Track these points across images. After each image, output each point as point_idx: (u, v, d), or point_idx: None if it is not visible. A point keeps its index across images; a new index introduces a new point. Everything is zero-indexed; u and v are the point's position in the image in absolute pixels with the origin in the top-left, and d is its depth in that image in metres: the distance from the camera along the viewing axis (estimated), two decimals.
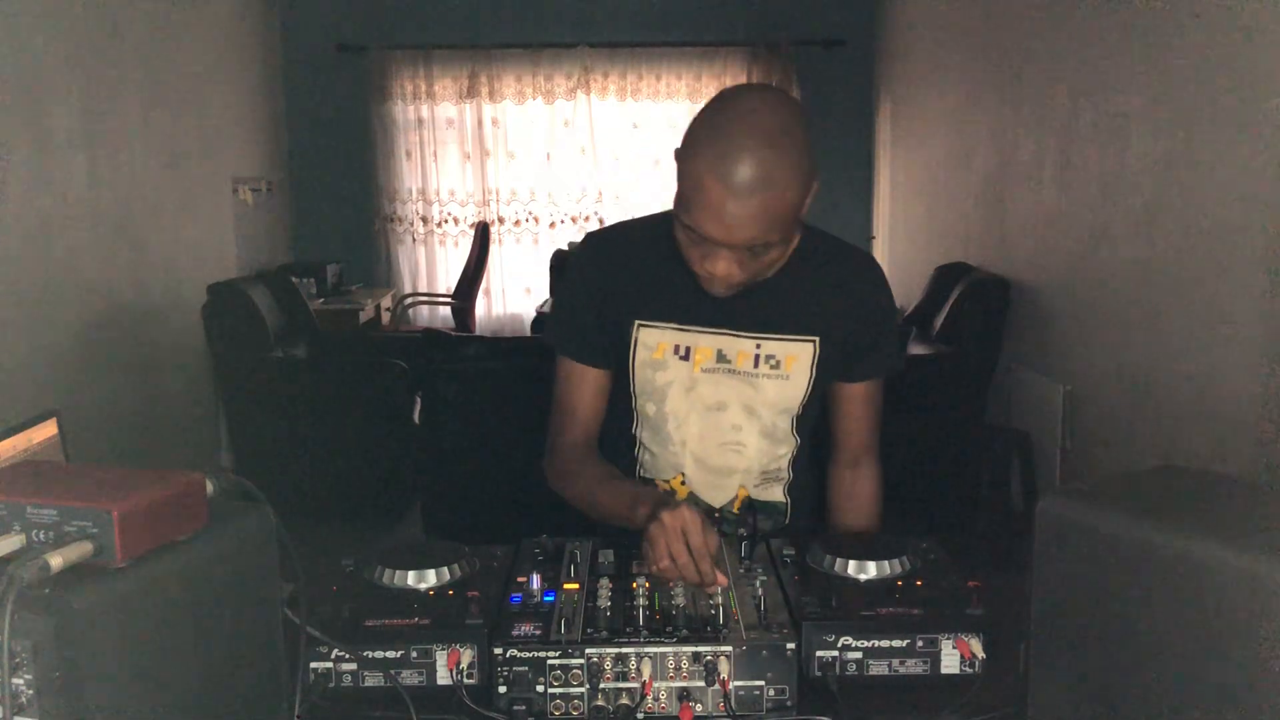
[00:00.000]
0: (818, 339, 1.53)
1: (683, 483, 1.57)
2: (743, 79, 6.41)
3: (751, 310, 1.50)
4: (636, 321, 1.53)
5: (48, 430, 1.45)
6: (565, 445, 1.58)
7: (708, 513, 1.56)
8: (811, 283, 1.53)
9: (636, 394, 1.56)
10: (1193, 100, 2.69)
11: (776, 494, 1.61)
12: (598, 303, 1.55)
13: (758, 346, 1.52)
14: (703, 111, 1.35)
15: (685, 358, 1.52)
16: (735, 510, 1.58)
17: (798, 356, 1.53)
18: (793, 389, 1.54)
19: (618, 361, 1.56)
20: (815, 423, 1.63)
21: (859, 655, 1.16)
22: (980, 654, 1.16)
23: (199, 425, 4.79)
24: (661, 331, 1.52)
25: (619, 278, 1.54)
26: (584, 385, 1.58)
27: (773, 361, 1.52)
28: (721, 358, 1.52)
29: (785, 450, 1.59)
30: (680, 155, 1.34)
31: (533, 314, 6.06)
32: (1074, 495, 0.98)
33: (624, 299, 1.53)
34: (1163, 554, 0.88)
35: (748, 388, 1.53)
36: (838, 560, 1.29)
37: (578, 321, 1.57)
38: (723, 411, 1.53)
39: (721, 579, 1.24)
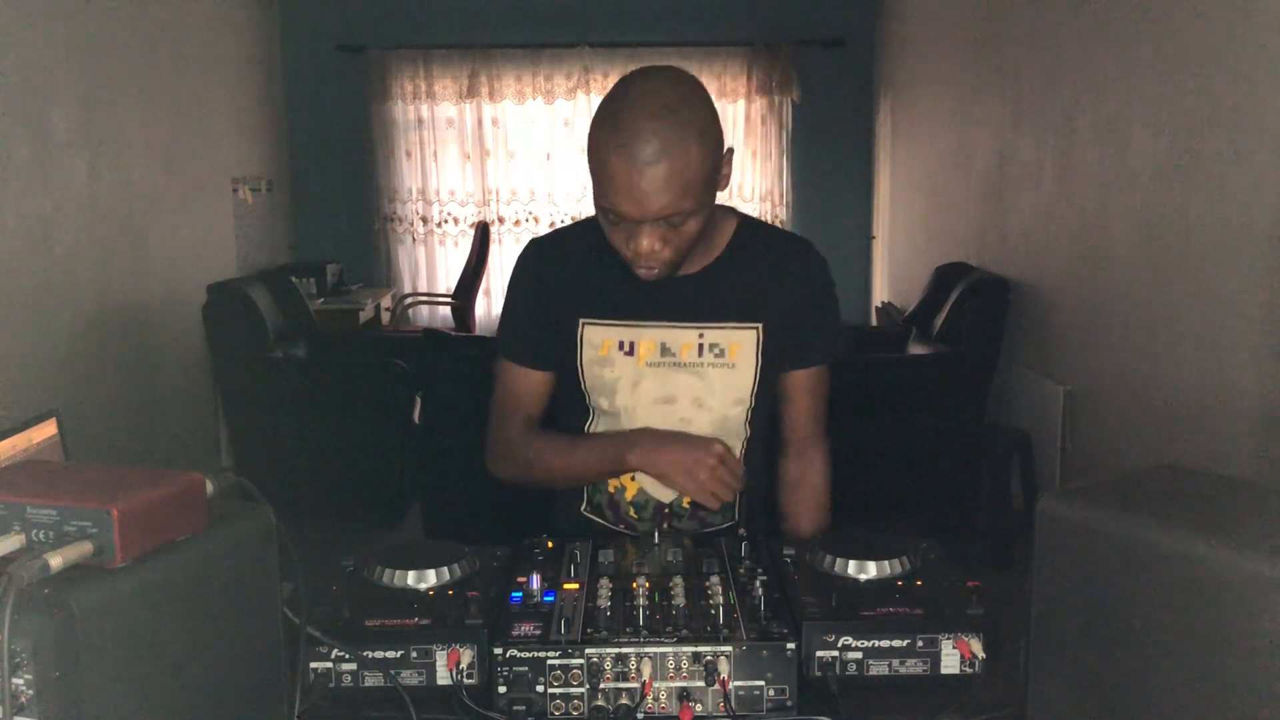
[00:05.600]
0: (761, 325, 1.54)
1: (633, 478, 1.58)
2: (743, 79, 6.42)
3: (692, 301, 1.52)
4: (581, 320, 1.55)
5: (48, 430, 1.45)
6: (504, 437, 1.60)
7: (659, 509, 1.57)
8: (750, 270, 1.55)
9: (589, 392, 1.57)
10: (1193, 100, 2.69)
11: None
12: (542, 306, 1.56)
13: (700, 336, 1.53)
14: (602, 101, 1.38)
15: (630, 353, 1.54)
16: (685, 505, 1.59)
17: (741, 344, 1.54)
18: (740, 378, 1.55)
19: (568, 362, 1.57)
20: (769, 417, 1.63)
21: (859, 655, 1.16)
22: (980, 654, 1.16)
23: (199, 425, 4.79)
24: (606, 328, 1.54)
25: (563, 279, 1.56)
26: (525, 387, 1.60)
27: (717, 350, 1.54)
28: (665, 351, 1.53)
29: (735, 444, 1.59)
30: (588, 145, 1.37)
31: None
32: (1074, 495, 0.98)
33: (569, 299, 1.55)
34: (1163, 554, 0.88)
35: (695, 380, 1.54)
36: (838, 560, 1.29)
37: (520, 326, 1.59)
38: (671, 404, 1.55)
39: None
